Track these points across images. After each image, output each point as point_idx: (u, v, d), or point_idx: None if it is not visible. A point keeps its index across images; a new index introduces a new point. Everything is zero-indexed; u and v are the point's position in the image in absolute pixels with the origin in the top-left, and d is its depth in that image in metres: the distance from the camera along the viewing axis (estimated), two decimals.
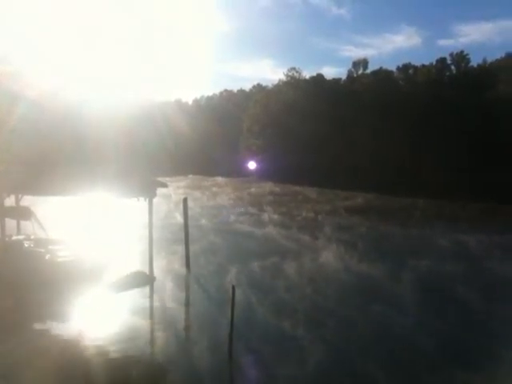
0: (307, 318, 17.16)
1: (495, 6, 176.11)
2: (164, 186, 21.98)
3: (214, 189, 62.02)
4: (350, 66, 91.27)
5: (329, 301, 19.10)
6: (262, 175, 75.37)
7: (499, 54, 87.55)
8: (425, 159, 64.57)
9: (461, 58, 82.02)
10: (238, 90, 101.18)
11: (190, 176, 78.79)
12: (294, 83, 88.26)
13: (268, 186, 64.73)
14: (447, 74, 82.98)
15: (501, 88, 77.74)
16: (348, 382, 13.17)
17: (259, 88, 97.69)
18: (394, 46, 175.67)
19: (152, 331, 16.37)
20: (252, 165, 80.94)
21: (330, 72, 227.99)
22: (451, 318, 17.59)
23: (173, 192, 46.84)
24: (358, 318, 17.44)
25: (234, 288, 14.18)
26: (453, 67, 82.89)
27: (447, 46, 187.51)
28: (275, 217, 39.16)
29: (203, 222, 36.12)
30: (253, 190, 61.25)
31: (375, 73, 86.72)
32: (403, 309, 18.21)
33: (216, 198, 52.97)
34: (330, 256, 25.61)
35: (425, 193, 50.07)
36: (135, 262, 21.80)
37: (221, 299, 18.32)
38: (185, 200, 23.71)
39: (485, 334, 16.46)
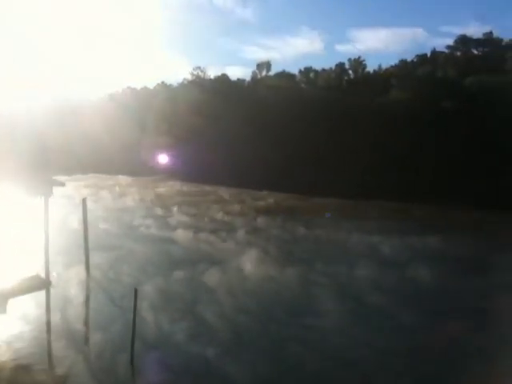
0: (222, 332, 15.80)
1: (390, 13, 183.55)
2: (61, 184, 19.36)
3: (118, 189, 57.79)
4: (254, 67, 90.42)
5: (245, 313, 17.46)
6: (169, 174, 71.94)
7: (393, 61, 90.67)
8: (334, 159, 64.86)
9: (358, 63, 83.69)
10: (142, 88, 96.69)
11: (92, 174, 73.29)
12: (199, 82, 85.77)
13: (176, 186, 61.38)
14: (346, 78, 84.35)
15: (393, 93, 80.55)
16: None
17: (164, 86, 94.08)
18: (297, 48, 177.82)
19: (48, 339, 14.86)
20: (159, 163, 77.15)
21: (235, 73, 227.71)
22: (378, 328, 16.68)
23: (74, 192, 42.70)
24: (282, 333, 15.93)
25: (136, 291, 13.60)
26: (351, 72, 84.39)
27: (346, 50, 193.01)
28: (186, 219, 36.50)
29: (107, 225, 32.91)
30: (160, 189, 57.78)
31: (278, 75, 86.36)
32: (325, 319, 17.03)
33: (121, 198, 49.11)
34: (244, 263, 23.74)
35: (339, 193, 49.49)
36: (30, 266, 19.19)
37: (122, 304, 17.22)
38: (84, 201, 21.70)
39: (407, 341, 15.61)
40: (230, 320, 16.63)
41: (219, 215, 38.35)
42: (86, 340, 15.35)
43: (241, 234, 31.14)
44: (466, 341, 15.42)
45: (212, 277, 21.11)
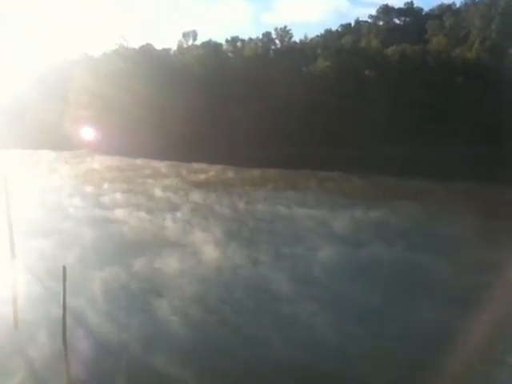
0: (183, 331, 13.80)
1: None
2: None
3: (43, 165, 53.04)
4: (180, 36, 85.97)
5: (209, 306, 15.58)
6: (94, 148, 67.10)
7: (319, 31, 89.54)
8: (268, 131, 63.35)
9: (284, 33, 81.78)
10: (62, 59, 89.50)
11: (12, 150, 66.68)
12: (122, 52, 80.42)
13: (105, 161, 56.52)
14: (272, 48, 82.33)
15: (319, 63, 79.93)
16: None
17: (85, 57, 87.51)
18: (223, 18, 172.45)
19: None
20: (83, 137, 71.86)
21: (161, 42, 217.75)
22: (348, 313, 15.42)
23: None
24: (257, 326, 14.15)
25: (64, 268, 13.04)
26: (277, 42, 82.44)
27: (272, 21, 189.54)
28: (120, 197, 33.37)
29: (36, 206, 29.47)
30: (88, 165, 53.52)
31: (205, 45, 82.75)
32: (293, 307, 15.56)
33: (46, 175, 44.79)
34: (193, 246, 21.61)
35: (273, 164, 47.83)
36: None
37: (51, 286, 16.27)
38: (4, 179, 19.16)
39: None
40: (191, 315, 14.60)
41: (156, 191, 35.46)
42: (15, 320, 14.46)
43: (183, 212, 28.83)
44: (447, 323, 14.32)
45: (163, 263, 18.93)
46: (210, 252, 20.34)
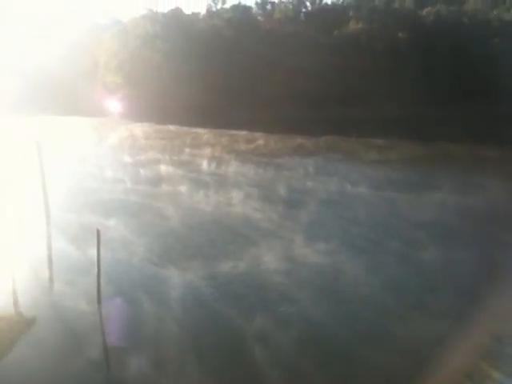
0: None
1: None
2: None
3: (75, 134, 48.32)
4: (209, 1, 79.91)
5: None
6: (125, 115, 62.25)
7: None
8: (300, 94, 58.20)
9: None
10: (93, 24, 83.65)
11: (41, 116, 61.87)
12: (151, 16, 74.76)
13: (139, 127, 51.55)
14: (303, 10, 75.89)
15: (350, 25, 73.95)
16: None
17: (115, 21, 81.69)
18: None
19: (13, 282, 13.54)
20: (113, 103, 67.07)
21: (189, 8, 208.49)
22: None
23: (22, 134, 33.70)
24: None
25: (98, 232, 12.66)
26: (308, 4, 75.88)
27: None
28: (166, 169, 28.96)
29: (85, 177, 25.47)
30: (122, 133, 48.57)
31: (234, 8, 76.63)
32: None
33: (82, 145, 40.21)
34: (269, 234, 17.39)
35: (317, 129, 42.57)
36: None
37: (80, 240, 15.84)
38: (38, 143, 16.21)
39: None
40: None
41: (203, 163, 30.80)
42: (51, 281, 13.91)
43: (240, 189, 24.32)
44: None
45: (245, 261, 14.64)
46: (296, 247, 16.01)
